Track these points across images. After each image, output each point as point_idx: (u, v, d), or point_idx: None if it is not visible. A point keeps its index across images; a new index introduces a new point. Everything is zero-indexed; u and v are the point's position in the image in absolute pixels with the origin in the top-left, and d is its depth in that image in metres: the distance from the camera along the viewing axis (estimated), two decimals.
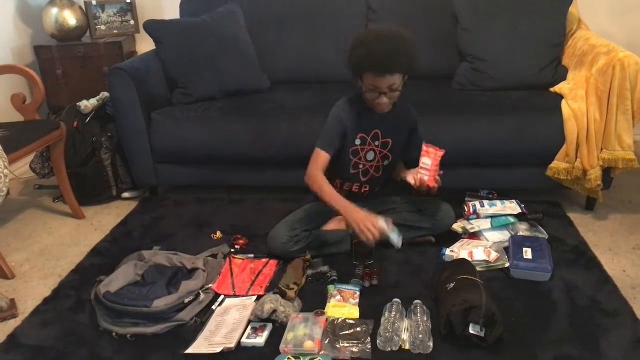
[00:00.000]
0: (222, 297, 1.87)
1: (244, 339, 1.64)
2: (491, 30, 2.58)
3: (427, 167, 1.98)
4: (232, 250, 2.16)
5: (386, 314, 1.68)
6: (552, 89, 2.46)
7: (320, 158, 2.00)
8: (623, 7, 3.01)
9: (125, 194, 2.73)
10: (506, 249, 2.03)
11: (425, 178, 1.97)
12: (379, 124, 2.04)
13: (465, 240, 2.11)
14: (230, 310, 1.78)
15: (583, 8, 2.70)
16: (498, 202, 2.17)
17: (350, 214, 1.86)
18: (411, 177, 2.03)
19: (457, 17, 2.67)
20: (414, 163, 2.07)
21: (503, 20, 2.58)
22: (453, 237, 2.13)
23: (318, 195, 1.98)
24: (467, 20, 2.64)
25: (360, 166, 2.09)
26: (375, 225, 1.81)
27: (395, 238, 1.85)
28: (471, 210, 2.15)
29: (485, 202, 2.19)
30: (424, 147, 2.01)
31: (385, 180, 2.19)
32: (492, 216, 2.13)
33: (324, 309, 1.74)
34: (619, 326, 1.65)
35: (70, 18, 3.13)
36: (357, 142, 2.05)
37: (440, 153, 1.99)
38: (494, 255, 1.96)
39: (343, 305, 1.76)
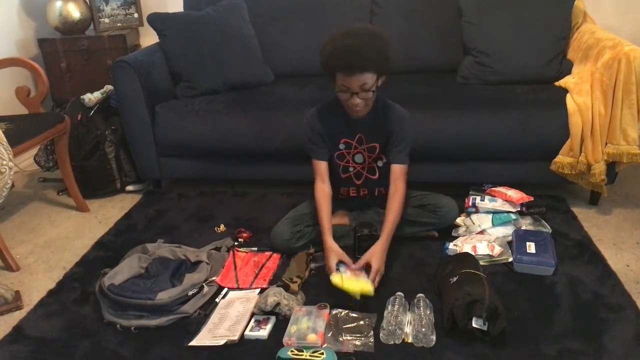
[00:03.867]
0: (225, 290, 1.88)
1: (247, 332, 1.64)
2: (496, 23, 2.57)
3: None
4: (236, 243, 2.17)
5: (389, 307, 1.68)
6: (557, 83, 2.45)
7: (318, 167, 2.01)
8: (629, 1, 2.98)
9: (130, 187, 2.74)
10: (510, 243, 2.03)
11: None
12: (361, 128, 1.97)
13: (468, 234, 2.11)
14: (233, 303, 1.79)
15: (589, 1, 2.68)
16: (499, 199, 2.16)
17: (327, 251, 1.86)
18: None
19: (461, 10, 2.65)
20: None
21: (508, 14, 2.56)
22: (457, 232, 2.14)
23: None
24: (471, 13, 2.62)
25: (351, 169, 2.05)
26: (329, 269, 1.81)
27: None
28: (470, 203, 2.15)
29: (487, 197, 2.19)
30: None
31: (388, 184, 2.02)
32: (493, 212, 2.13)
33: (327, 302, 1.74)
34: (622, 321, 1.65)
35: (74, 11, 3.13)
36: (342, 147, 2.01)
37: None
38: (497, 249, 1.96)
39: (357, 280, 1.74)
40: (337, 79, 1.81)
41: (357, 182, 2.08)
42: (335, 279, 1.74)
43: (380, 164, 2.05)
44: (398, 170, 1.95)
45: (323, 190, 1.99)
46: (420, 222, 2.09)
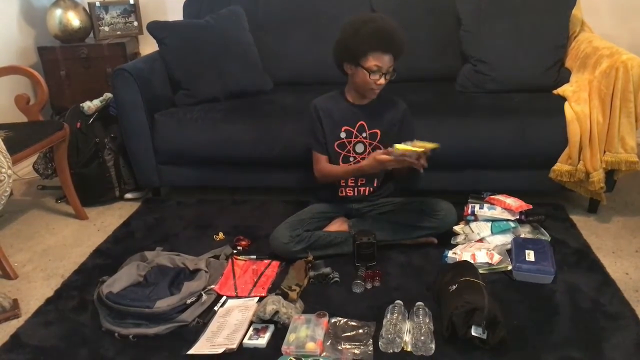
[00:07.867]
0: (224, 298, 1.87)
1: (246, 340, 1.64)
2: (494, 32, 2.58)
3: None
4: (235, 251, 2.16)
5: (388, 315, 1.68)
6: (555, 92, 2.46)
7: (319, 159, 2.12)
8: (626, 10, 3.00)
9: (128, 195, 2.74)
10: (509, 251, 2.03)
11: None
12: (363, 115, 2.09)
13: (468, 242, 2.10)
14: (232, 311, 1.78)
15: (586, 10, 2.69)
16: (498, 207, 2.17)
17: (368, 166, 1.96)
18: None
19: (460, 19, 2.67)
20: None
21: (506, 22, 2.58)
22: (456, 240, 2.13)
23: (336, 180, 2.11)
24: (470, 22, 2.64)
25: (351, 159, 2.12)
26: (386, 155, 1.87)
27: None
28: (469, 211, 2.16)
29: (486, 205, 2.19)
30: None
31: (384, 175, 2.18)
32: (492, 220, 2.13)
33: (326, 310, 1.73)
34: (621, 329, 1.64)
35: (74, 19, 3.14)
36: (343, 135, 2.09)
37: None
38: (496, 257, 1.96)
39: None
40: (369, 60, 1.92)
41: None
42: (400, 145, 1.82)
43: None
44: None
45: (326, 166, 2.12)
46: (420, 227, 2.10)
